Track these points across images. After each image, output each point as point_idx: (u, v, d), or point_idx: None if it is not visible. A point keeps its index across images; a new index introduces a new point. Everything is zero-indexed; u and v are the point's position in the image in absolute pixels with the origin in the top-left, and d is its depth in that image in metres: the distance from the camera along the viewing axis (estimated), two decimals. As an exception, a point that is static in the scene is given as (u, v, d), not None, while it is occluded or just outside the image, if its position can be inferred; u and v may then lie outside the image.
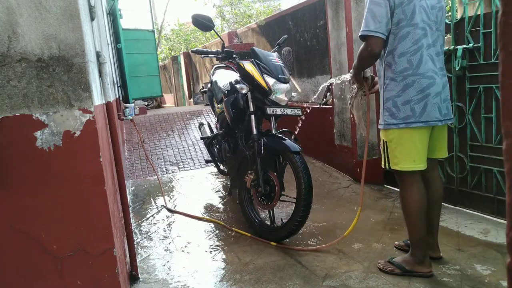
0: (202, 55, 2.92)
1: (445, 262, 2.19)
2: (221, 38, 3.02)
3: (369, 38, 1.93)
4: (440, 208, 2.22)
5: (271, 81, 2.60)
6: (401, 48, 1.93)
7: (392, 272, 2.10)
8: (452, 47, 2.80)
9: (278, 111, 2.61)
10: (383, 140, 2.08)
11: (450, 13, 2.93)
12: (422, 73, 1.94)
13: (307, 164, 2.55)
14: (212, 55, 2.89)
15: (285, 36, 3.09)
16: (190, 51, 3.20)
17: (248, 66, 2.69)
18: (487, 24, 2.59)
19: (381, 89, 2.06)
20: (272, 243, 2.55)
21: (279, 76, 2.61)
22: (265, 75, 2.61)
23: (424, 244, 2.06)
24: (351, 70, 2.22)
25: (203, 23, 2.61)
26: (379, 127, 2.09)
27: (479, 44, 2.64)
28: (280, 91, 2.61)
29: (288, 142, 2.53)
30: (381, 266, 2.16)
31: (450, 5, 2.87)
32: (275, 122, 2.73)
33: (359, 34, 1.97)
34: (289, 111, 2.63)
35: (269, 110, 2.60)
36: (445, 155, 2.22)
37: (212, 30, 2.68)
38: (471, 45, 2.67)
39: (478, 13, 2.62)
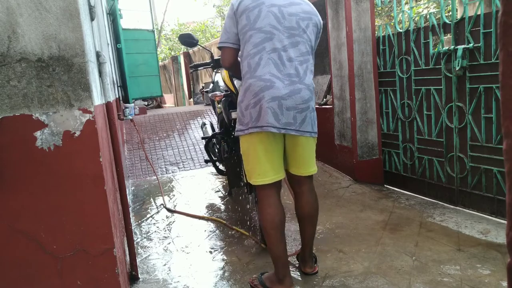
0: (197, 69, 3.16)
1: (445, 262, 2.19)
2: (208, 50, 3.25)
3: (222, 50, 1.99)
4: (311, 224, 2.09)
5: (238, 83, 2.63)
6: (244, 52, 1.89)
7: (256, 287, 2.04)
8: (452, 47, 2.80)
9: None
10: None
11: (450, 13, 2.94)
12: (257, 75, 1.84)
13: None
14: (203, 68, 3.12)
15: None
16: (189, 67, 3.45)
17: (223, 72, 2.79)
18: (487, 24, 2.59)
19: None
20: (262, 244, 2.54)
21: None
22: (234, 79, 2.66)
23: (282, 263, 1.93)
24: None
25: (187, 41, 2.85)
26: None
27: (479, 44, 2.63)
28: None
29: None
30: (251, 280, 2.10)
31: (451, 5, 2.87)
32: None
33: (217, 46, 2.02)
34: None
35: (234, 114, 2.62)
36: (310, 171, 2.03)
37: (199, 43, 2.91)
38: (471, 45, 2.67)
39: (478, 13, 2.62)
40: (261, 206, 1.96)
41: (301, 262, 2.18)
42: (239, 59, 1.99)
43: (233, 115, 2.66)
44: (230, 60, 1.98)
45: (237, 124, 1.94)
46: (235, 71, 2.07)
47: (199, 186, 4.03)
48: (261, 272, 2.10)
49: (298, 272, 2.21)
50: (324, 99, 4.29)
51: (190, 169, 4.63)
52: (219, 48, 2.00)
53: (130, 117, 3.15)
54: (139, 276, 2.25)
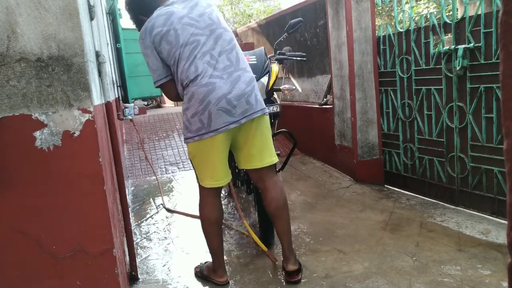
0: None
1: (446, 262, 2.18)
2: None
3: (160, 87, 2.01)
4: (284, 220, 2.10)
5: None
6: (179, 69, 1.90)
7: (196, 275, 2.26)
8: (453, 47, 2.80)
9: None
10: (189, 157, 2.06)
11: (451, 13, 2.93)
12: (197, 83, 1.86)
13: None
14: None
15: (299, 18, 2.91)
16: None
17: None
18: (488, 24, 2.58)
19: None
20: (263, 246, 2.53)
21: None
22: None
23: (217, 255, 2.13)
24: None
25: None
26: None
27: (480, 44, 2.63)
28: None
29: None
30: (196, 266, 2.32)
31: (451, 5, 2.87)
32: (270, 122, 2.74)
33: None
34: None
35: None
36: (272, 160, 2.06)
37: None
38: (471, 44, 2.67)
39: (479, 12, 2.61)
40: (202, 204, 2.10)
41: (284, 261, 2.14)
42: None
43: None
44: (173, 91, 2.00)
45: (185, 132, 1.96)
46: (180, 99, 2.06)
47: (199, 186, 4.02)
48: (206, 261, 2.30)
49: (303, 263, 2.20)
50: (324, 99, 4.29)
51: (190, 169, 4.62)
52: (158, 87, 2.03)
53: (129, 117, 3.15)
54: (139, 276, 2.25)
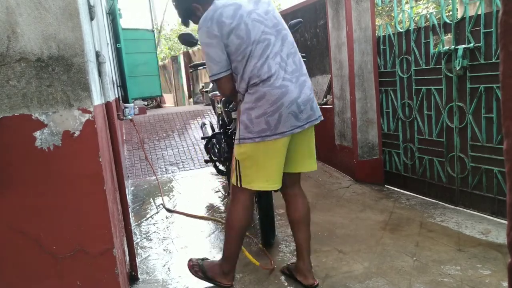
0: (197, 69, 3.11)
1: (446, 262, 2.18)
2: None
3: (218, 81, 1.90)
4: (306, 229, 2.07)
5: None
6: (249, 67, 1.82)
7: (196, 275, 2.11)
8: (453, 47, 2.80)
9: None
10: (235, 158, 1.95)
11: (450, 13, 2.93)
12: (271, 84, 1.81)
13: None
14: (203, 67, 3.06)
15: (299, 19, 2.87)
16: (189, 66, 3.40)
17: None
18: (487, 24, 2.59)
19: (240, 105, 1.96)
20: (260, 245, 2.54)
21: None
22: None
23: (234, 260, 2.04)
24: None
25: (187, 41, 2.81)
26: (235, 141, 1.95)
27: (479, 44, 2.63)
28: None
29: None
30: (191, 264, 2.15)
31: (451, 5, 2.87)
32: None
33: (210, 80, 1.95)
34: None
35: (234, 114, 2.61)
36: (313, 168, 2.05)
37: (198, 44, 2.85)
38: (471, 44, 2.67)
39: (479, 12, 2.61)
40: (238, 207, 1.98)
41: (302, 275, 2.06)
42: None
43: (233, 115, 2.66)
44: (231, 87, 1.92)
45: (243, 131, 1.86)
46: (234, 96, 2.00)
47: (199, 186, 4.03)
48: (201, 258, 2.17)
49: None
50: (324, 99, 4.29)
51: (190, 169, 4.62)
52: (214, 81, 1.92)
53: (129, 117, 3.15)
54: (139, 276, 2.25)
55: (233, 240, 2.01)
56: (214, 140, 3.61)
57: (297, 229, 2.07)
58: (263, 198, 2.45)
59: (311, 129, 1.99)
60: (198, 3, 1.95)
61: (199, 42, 1.97)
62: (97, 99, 1.65)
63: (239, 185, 1.94)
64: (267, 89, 1.81)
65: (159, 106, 12.19)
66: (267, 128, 1.82)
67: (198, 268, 2.12)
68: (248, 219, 2.01)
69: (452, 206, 2.99)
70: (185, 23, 2.11)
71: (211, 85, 3.74)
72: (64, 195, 1.51)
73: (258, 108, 1.82)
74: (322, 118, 1.99)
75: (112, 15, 3.80)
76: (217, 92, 2.82)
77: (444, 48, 2.86)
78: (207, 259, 2.21)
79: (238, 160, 1.93)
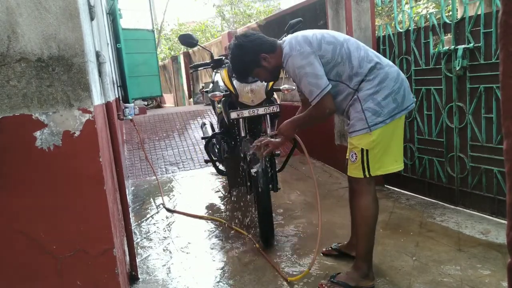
0: (197, 70, 3.13)
1: (446, 262, 2.19)
2: (208, 50, 3.21)
3: (323, 99, 1.85)
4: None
5: (236, 83, 2.62)
6: (355, 60, 1.88)
7: None
8: (453, 47, 2.80)
9: (245, 113, 2.62)
10: (361, 148, 1.90)
11: (450, 13, 2.93)
12: (387, 63, 1.92)
13: (273, 166, 2.62)
14: (203, 68, 3.10)
15: (299, 18, 2.88)
16: (189, 67, 3.42)
17: (223, 72, 2.75)
18: (487, 24, 2.59)
19: (350, 102, 1.93)
20: (257, 245, 2.54)
21: None
22: (233, 79, 2.64)
23: (371, 257, 1.99)
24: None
25: (187, 41, 2.84)
26: (357, 134, 1.89)
27: (479, 44, 2.63)
28: (244, 92, 2.62)
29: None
30: (323, 286, 2.00)
31: (451, 5, 2.87)
32: (270, 122, 2.74)
33: (313, 102, 1.87)
34: (260, 111, 2.62)
35: (233, 114, 2.61)
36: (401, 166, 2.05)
37: (199, 43, 2.90)
38: (471, 45, 2.67)
39: (479, 13, 2.62)
40: (368, 200, 1.96)
41: (354, 249, 2.16)
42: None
43: (233, 115, 2.65)
44: (333, 102, 1.90)
45: (372, 118, 1.84)
46: (333, 112, 1.96)
47: (199, 186, 4.03)
48: (330, 276, 2.04)
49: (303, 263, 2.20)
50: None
51: (190, 169, 4.63)
52: (319, 100, 1.84)
53: (130, 117, 3.15)
54: (139, 276, 2.25)
55: (369, 236, 1.98)
56: (214, 140, 3.61)
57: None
58: (262, 199, 2.45)
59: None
60: (266, 52, 1.98)
61: (290, 74, 1.95)
62: (97, 99, 1.65)
63: (367, 175, 1.92)
64: (387, 69, 1.88)
65: (159, 106, 12.19)
66: (396, 106, 1.86)
67: (337, 286, 1.97)
68: (378, 209, 2.00)
69: (452, 206, 2.99)
70: (245, 77, 2.16)
71: (211, 85, 3.74)
72: (64, 195, 1.51)
73: (383, 89, 1.86)
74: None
75: (112, 15, 3.81)
76: (216, 93, 2.82)
77: (444, 48, 2.86)
78: (337, 274, 2.05)
79: (367, 150, 1.89)
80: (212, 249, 2.60)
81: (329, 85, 1.84)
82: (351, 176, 2.00)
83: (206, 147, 3.56)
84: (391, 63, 1.96)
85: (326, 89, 1.84)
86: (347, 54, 1.88)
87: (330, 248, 2.38)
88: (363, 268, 1.97)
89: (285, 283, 2.12)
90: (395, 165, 1.95)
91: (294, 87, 3.07)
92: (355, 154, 1.94)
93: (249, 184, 2.67)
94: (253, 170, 2.45)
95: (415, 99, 1.98)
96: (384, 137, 1.88)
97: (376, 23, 3.84)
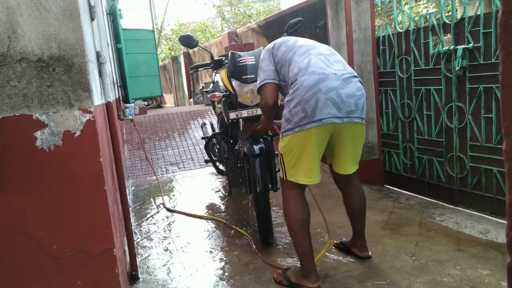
0: (197, 70, 3.14)
1: (445, 262, 2.19)
2: (208, 51, 3.19)
3: (264, 87, 2.06)
4: (363, 216, 2.23)
5: (236, 83, 2.62)
6: (292, 65, 1.97)
7: (281, 283, 2.05)
8: (452, 47, 2.80)
9: (244, 113, 2.63)
10: (279, 152, 2.01)
11: (450, 13, 2.94)
12: (309, 72, 1.86)
13: (273, 166, 2.61)
14: (203, 68, 3.11)
15: (299, 18, 2.92)
16: (190, 68, 3.43)
17: (222, 73, 2.75)
18: (487, 24, 2.59)
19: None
20: (253, 246, 2.54)
21: (242, 77, 2.62)
22: (232, 79, 2.64)
23: (309, 259, 2.00)
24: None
25: (187, 42, 2.85)
26: (280, 137, 2.01)
27: (479, 44, 2.63)
28: (243, 92, 2.62)
29: (254, 145, 2.52)
30: (275, 276, 2.11)
31: (450, 5, 2.87)
32: None
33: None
34: (259, 111, 2.62)
35: (232, 115, 2.61)
36: (355, 168, 2.09)
37: (199, 44, 2.93)
38: (471, 45, 2.67)
39: (478, 13, 2.62)
40: (288, 204, 2.01)
41: (358, 249, 2.29)
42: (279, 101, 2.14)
43: (232, 115, 2.66)
44: (269, 95, 2.04)
45: (284, 124, 1.92)
46: (273, 109, 2.13)
47: (199, 186, 4.03)
48: (285, 269, 2.14)
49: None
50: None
51: (190, 169, 4.63)
52: (260, 88, 2.06)
53: (130, 117, 3.16)
54: (139, 276, 2.25)
55: (298, 237, 1.99)
56: (214, 140, 3.61)
57: (353, 218, 2.24)
58: (261, 199, 2.46)
59: (358, 131, 1.96)
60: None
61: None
62: (98, 99, 1.66)
63: (284, 177, 2.00)
64: (304, 77, 1.85)
65: (159, 106, 12.19)
66: (304, 116, 1.82)
67: (282, 277, 2.07)
68: (304, 213, 1.99)
69: (452, 206, 2.99)
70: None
71: (211, 85, 3.75)
72: (65, 195, 1.51)
73: (296, 97, 1.85)
74: (364, 124, 1.97)
75: (113, 15, 3.81)
76: (216, 93, 2.82)
77: (444, 48, 2.86)
78: (290, 267, 2.16)
79: (281, 154, 1.99)
80: (212, 249, 2.60)
81: (269, 79, 2.02)
82: (280, 176, 2.09)
83: (206, 147, 3.56)
84: (324, 70, 1.87)
85: (265, 81, 2.03)
86: (290, 58, 1.98)
87: (339, 242, 2.45)
88: (303, 268, 2.01)
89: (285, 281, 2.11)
90: (304, 177, 1.95)
91: None
92: (279, 155, 2.05)
93: (246, 180, 2.69)
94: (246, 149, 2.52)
95: (358, 117, 1.89)
96: (295, 146, 1.90)
97: (376, 23, 3.84)
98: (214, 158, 3.59)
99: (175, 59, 13.45)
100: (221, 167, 3.68)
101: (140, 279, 2.24)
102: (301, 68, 1.89)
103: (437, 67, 2.97)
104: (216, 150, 3.65)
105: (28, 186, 1.47)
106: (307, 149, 1.88)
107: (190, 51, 11.34)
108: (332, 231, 2.73)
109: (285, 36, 2.37)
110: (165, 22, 21.13)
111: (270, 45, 2.13)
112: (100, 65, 1.82)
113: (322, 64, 1.89)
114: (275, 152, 2.81)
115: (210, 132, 3.91)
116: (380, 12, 8.10)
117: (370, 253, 2.29)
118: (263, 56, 2.09)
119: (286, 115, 1.90)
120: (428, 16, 3.09)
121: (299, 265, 2.08)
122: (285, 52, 2.01)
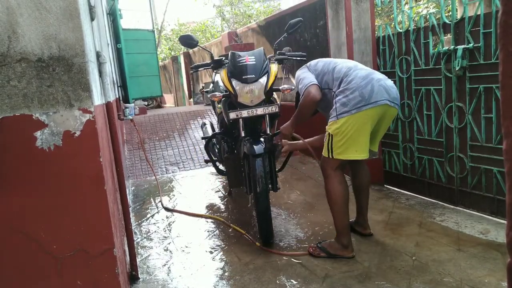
0: (197, 70, 3.13)
1: (445, 261, 2.19)
2: (208, 51, 3.19)
3: (308, 88, 2.37)
4: (366, 192, 2.56)
5: (236, 84, 2.62)
6: (336, 70, 2.34)
7: (319, 256, 2.32)
8: (452, 47, 2.80)
9: (244, 113, 2.62)
10: (328, 133, 2.26)
11: (450, 13, 2.94)
12: (360, 68, 2.30)
13: (273, 166, 2.63)
14: (203, 68, 3.10)
15: (299, 18, 2.93)
16: (190, 68, 3.41)
17: (222, 73, 2.75)
18: (487, 24, 2.59)
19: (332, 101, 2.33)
20: (257, 243, 2.55)
21: (242, 77, 2.61)
22: (232, 79, 2.64)
23: (348, 232, 2.31)
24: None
25: (187, 42, 2.87)
26: (329, 121, 2.26)
27: (479, 44, 2.63)
28: (243, 92, 2.62)
29: (254, 145, 2.52)
30: (311, 250, 2.37)
31: (450, 5, 2.87)
32: (270, 122, 2.74)
33: (302, 93, 2.40)
34: (259, 111, 2.62)
35: (232, 115, 2.61)
36: (375, 149, 2.45)
37: (199, 44, 2.94)
38: (471, 45, 2.67)
39: (478, 13, 2.62)
40: (333, 182, 2.28)
41: (361, 226, 2.59)
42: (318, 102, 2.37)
43: (232, 115, 2.66)
44: (317, 92, 2.33)
45: (339, 108, 2.19)
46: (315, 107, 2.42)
47: (199, 186, 4.03)
48: (318, 242, 2.42)
49: (302, 263, 2.21)
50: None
51: (190, 169, 4.63)
52: (304, 90, 2.34)
53: (130, 117, 3.15)
54: (139, 276, 2.25)
55: (340, 213, 2.28)
56: (214, 140, 3.61)
57: (358, 193, 2.56)
58: (261, 199, 2.46)
59: (394, 115, 2.32)
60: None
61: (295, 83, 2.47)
62: (98, 99, 1.66)
63: (330, 156, 2.25)
64: (358, 71, 2.24)
65: (159, 106, 12.20)
66: (362, 99, 2.14)
67: (319, 250, 2.35)
68: (347, 190, 2.29)
69: (452, 206, 2.99)
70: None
71: (211, 85, 3.75)
72: (65, 195, 1.51)
73: (352, 85, 2.19)
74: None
75: (113, 15, 3.81)
76: (216, 93, 2.82)
77: (444, 48, 2.86)
78: (324, 241, 2.42)
79: (332, 135, 2.23)
80: (212, 249, 2.61)
81: (314, 82, 2.34)
82: (323, 155, 2.33)
83: (206, 147, 3.56)
84: (367, 68, 2.32)
85: (311, 83, 2.33)
86: (333, 67, 2.36)
87: (315, 245, 2.47)
88: (342, 241, 2.30)
89: (285, 281, 2.12)
90: (356, 154, 2.22)
91: (293, 87, 3.08)
92: (325, 136, 2.30)
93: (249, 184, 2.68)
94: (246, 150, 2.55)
95: (391, 100, 2.21)
96: (350, 126, 2.17)
97: (376, 23, 3.84)
98: (214, 158, 3.59)
99: (175, 59, 13.45)
100: (221, 167, 3.68)
101: (140, 279, 2.24)
102: (350, 67, 2.28)
103: (437, 67, 2.97)
104: (216, 150, 3.65)
105: (28, 186, 1.47)
106: (362, 128, 2.18)
107: (190, 51, 11.34)
108: (332, 231, 2.72)
109: (292, 33, 2.68)
110: (165, 22, 21.15)
111: (304, 65, 2.50)
112: (100, 65, 1.82)
113: (358, 65, 2.33)
114: (278, 147, 2.82)
115: (210, 132, 3.90)
116: (380, 12, 8.10)
117: (371, 231, 2.55)
118: (300, 73, 2.44)
119: (342, 100, 2.19)
120: (428, 16, 3.09)
121: (303, 263, 2.08)
122: (325, 65, 2.39)
